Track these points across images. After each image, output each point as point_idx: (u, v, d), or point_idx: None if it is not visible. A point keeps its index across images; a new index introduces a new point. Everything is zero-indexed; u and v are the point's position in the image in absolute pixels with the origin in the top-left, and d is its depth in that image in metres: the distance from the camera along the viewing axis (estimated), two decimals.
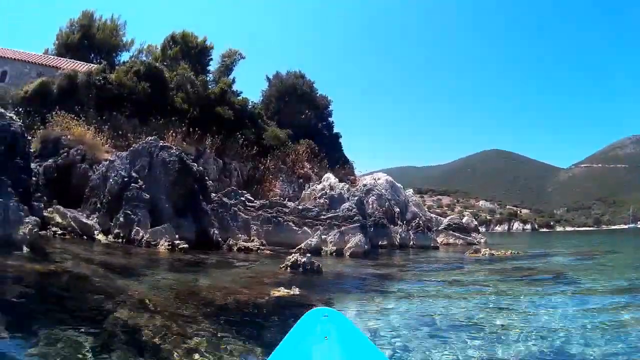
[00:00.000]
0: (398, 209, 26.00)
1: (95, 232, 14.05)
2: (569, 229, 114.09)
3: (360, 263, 15.70)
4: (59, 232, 13.26)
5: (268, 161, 25.94)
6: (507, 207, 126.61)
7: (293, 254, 12.40)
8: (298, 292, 8.10)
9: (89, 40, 31.71)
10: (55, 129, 17.90)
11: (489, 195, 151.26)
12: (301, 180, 26.28)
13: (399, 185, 29.03)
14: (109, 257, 11.35)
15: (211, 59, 33.97)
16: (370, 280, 11.77)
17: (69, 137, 17.47)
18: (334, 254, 17.65)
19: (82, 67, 24.41)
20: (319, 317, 2.51)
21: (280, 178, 25.93)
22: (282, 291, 8.12)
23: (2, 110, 11.84)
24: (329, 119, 36.78)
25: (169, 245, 13.71)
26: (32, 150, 16.60)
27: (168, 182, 16.09)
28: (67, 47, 31.03)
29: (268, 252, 16.49)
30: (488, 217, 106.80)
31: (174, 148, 17.29)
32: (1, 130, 11.20)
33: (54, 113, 18.60)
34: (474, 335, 5.92)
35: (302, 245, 17.56)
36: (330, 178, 24.16)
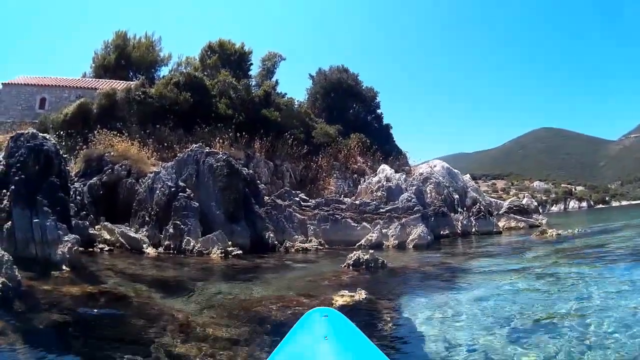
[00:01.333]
0: (457, 196, 24.35)
1: (144, 245, 13.35)
2: (624, 203, 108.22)
3: (424, 255, 14.37)
4: (106, 248, 12.68)
5: (320, 159, 24.89)
6: (562, 185, 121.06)
7: (354, 252, 11.18)
8: (364, 296, 6.92)
9: (126, 59, 31.76)
10: (98, 147, 17.50)
11: (543, 174, 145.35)
12: (355, 175, 25.12)
13: (455, 170, 27.28)
14: (157, 271, 10.50)
15: (251, 64, 33.49)
16: (437, 274, 10.48)
17: (112, 153, 17.02)
18: (396, 247, 16.42)
19: (120, 85, 24.18)
20: (319, 317, 2.51)
21: (334, 175, 24.80)
22: (346, 296, 6.95)
23: (34, 131, 11.29)
24: (378, 110, 35.27)
25: (221, 253, 12.81)
26: (77, 170, 16.43)
27: (217, 188, 15.29)
28: (105, 69, 31.16)
29: (327, 251, 15.38)
30: (543, 198, 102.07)
31: (221, 153, 16.52)
32: (34, 150, 10.63)
33: (95, 132, 18.22)
34: (558, 340, 4.88)
35: (362, 241, 16.47)
36: (385, 169, 22.90)
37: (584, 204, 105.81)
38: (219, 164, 15.48)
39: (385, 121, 35.41)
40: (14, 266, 6.68)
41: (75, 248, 9.35)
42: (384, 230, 17.18)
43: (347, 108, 32.01)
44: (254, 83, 30.75)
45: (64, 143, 18.91)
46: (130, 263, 11.19)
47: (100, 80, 27.55)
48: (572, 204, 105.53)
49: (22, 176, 10.07)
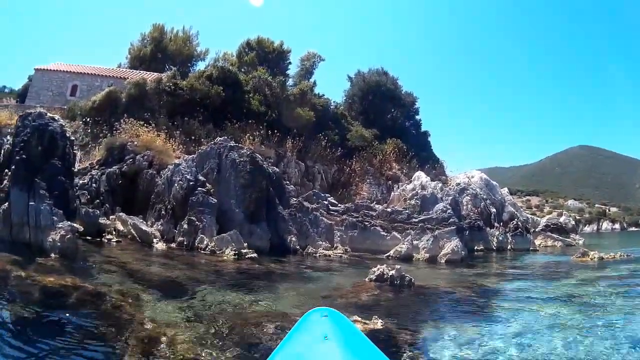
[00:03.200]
0: (494, 209, 22.84)
1: (155, 239, 12.55)
2: None
3: (456, 272, 12.99)
4: (114, 239, 11.93)
5: (354, 163, 23.89)
6: (596, 205, 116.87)
7: (379, 266, 9.91)
8: (380, 326, 5.66)
9: (162, 52, 31.55)
10: (123, 136, 16.93)
11: (578, 193, 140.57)
12: (390, 182, 23.97)
13: (494, 183, 25.77)
14: (160, 268, 9.60)
15: (290, 63, 32.84)
16: (470, 298, 9.04)
17: (135, 143, 16.39)
18: (427, 261, 15.11)
19: (152, 76, 23.72)
20: (319, 317, 2.50)
21: (367, 180, 23.75)
22: (358, 323, 5.65)
23: (42, 110, 10.71)
24: (416, 117, 34.09)
25: (234, 254, 11.88)
26: (98, 158, 15.92)
27: (238, 184, 14.42)
28: (140, 60, 31.05)
29: (351, 259, 14.19)
30: (577, 217, 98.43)
31: (245, 148, 15.70)
32: (38, 129, 10.03)
33: (122, 121, 17.66)
34: None
35: (391, 252, 15.28)
36: (421, 177, 21.72)
37: (617, 225, 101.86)
38: (242, 159, 14.62)
39: (423, 128, 34.30)
40: None
41: (69, 236, 8.57)
42: (415, 242, 15.90)
43: (385, 112, 30.83)
44: (291, 83, 30.00)
45: (89, 130, 18.51)
46: (136, 258, 10.36)
47: (133, 71, 27.33)
48: (605, 225, 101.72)
49: (24, 156, 9.42)
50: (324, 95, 28.71)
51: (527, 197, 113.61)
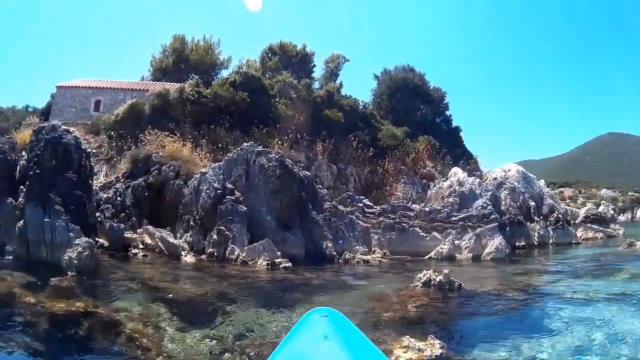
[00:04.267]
0: (533, 203, 21.51)
1: (184, 252, 11.87)
2: None
3: (503, 272, 12.17)
4: (140, 254, 11.30)
5: (386, 163, 22.94)
6: (629, 193, 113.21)
7: (425, 271, 9.12)
8: (439, 351, 4.51)
9: (184, 62, 31.11)
10: (148, 147, 16.41)
11: (610, 181, 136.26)
12: (424, 180, 22.97)
13: (531, 175, 24.39)
14: (187, 284, 8.77)
15: (314, 66, 32.37)
16: (523, 303, 8.14)
17: (160, 154, 15.81)
18: (470, 260, 14.30)
19: (174, 87, 23.28)
20: (319, 317, 2.47)
21: (402, 180, 22.79)
22: (411, 347, 4.56)
23: (55, 123, 10.21)
24: (446, 112, 33.07)
25: (267, 264, 11.10)
26: (124, 171, 15.47)
27: (268, 190, 13.63)
28: (163, 72, 30.77)
29: (391, 263, 13.31)
30: (611, 206, 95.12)
31: (274, 152, 14.92)
32: (51, 143, 9.48)
33: (146, 132, 17.15)
34: None
35: (432, 253, 14.40)
36: (458, 173, 20.61)
37: None
38: (271, 164, 13.85)
39: (454, 124, 33.25)
40: None
41: (87, 253, 7.92)
42: (456, 242, 14.96)
43: (414, 109, 29.84)
44: (317, 85, 29.32)
45: (114, 144, 18.11)
46: (162, 272, 9.66)
47: (156, 82, 26.97)
48: None
49: (37, 171, 8.85)
50: (351, 96, 27.97)
51: (560, 189, 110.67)
